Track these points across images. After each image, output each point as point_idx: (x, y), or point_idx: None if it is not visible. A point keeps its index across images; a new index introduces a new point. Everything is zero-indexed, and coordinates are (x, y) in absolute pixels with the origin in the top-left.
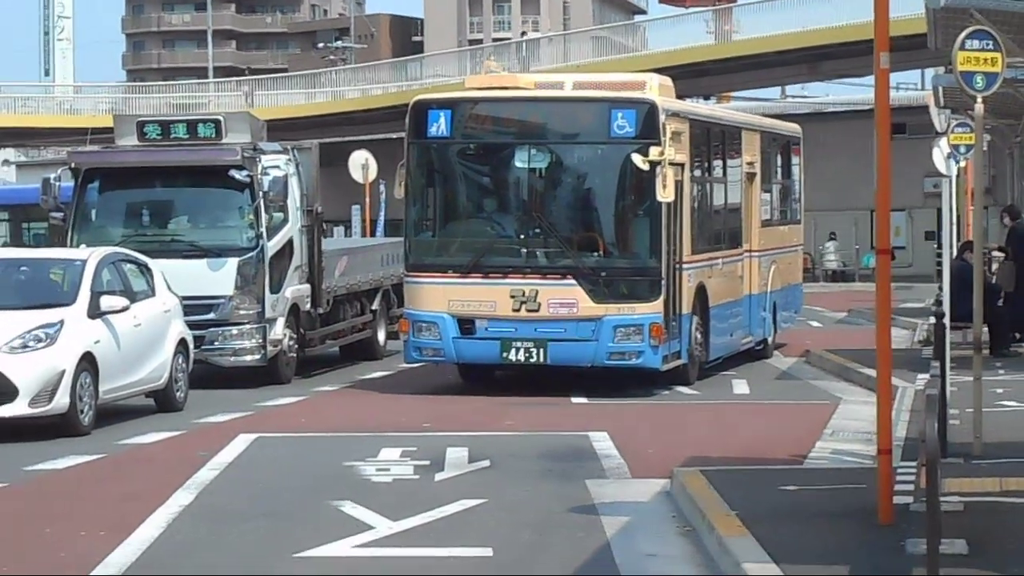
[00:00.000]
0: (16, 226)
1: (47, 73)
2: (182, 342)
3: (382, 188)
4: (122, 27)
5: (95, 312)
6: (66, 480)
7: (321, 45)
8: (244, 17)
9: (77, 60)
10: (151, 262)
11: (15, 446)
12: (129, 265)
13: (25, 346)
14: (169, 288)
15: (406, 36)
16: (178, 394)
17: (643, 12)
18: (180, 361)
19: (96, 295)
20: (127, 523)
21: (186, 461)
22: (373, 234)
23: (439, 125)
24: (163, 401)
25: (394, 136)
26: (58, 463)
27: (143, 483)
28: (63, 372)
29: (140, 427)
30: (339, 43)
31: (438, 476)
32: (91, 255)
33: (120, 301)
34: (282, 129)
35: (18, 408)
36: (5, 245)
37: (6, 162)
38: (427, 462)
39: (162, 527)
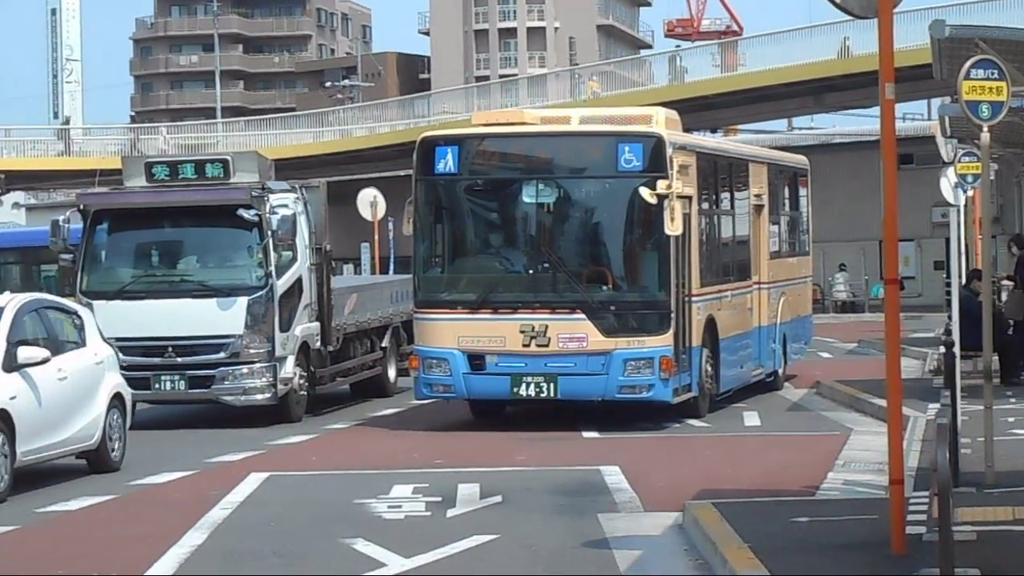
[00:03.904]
0: (27, 268)
1: (56, 116)
2: (117, 396)
3: (391, 225)
4: (130, 69)
5: (11, 365)
6: (78, 521)
7: (328, 84)
8: (251, 57)
9: (86, 102)
10: (82, 310)
11: (34, 491)
12: (56, 313)
13: None
14: (103, 337)
15: (413, 74)
16: (113, 453)
17: (649, 46)
18: (115, 417)
19: (13, 345)
20: (139, 564)
21: (198, 501)
22: (385, 271)
23: (447, 162)
24: (96, 462)
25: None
26: (71, 504)
27: (155, 523)
28: None
29: (155, 467)
30: (346, 82)
31: (450, 512)
32: (9, 302)
33: (40, 352)
34: (290, 168)
35: None
36: (16, 288)
37: (16, 205)
38: (439, 498)
39: (174, 567)
